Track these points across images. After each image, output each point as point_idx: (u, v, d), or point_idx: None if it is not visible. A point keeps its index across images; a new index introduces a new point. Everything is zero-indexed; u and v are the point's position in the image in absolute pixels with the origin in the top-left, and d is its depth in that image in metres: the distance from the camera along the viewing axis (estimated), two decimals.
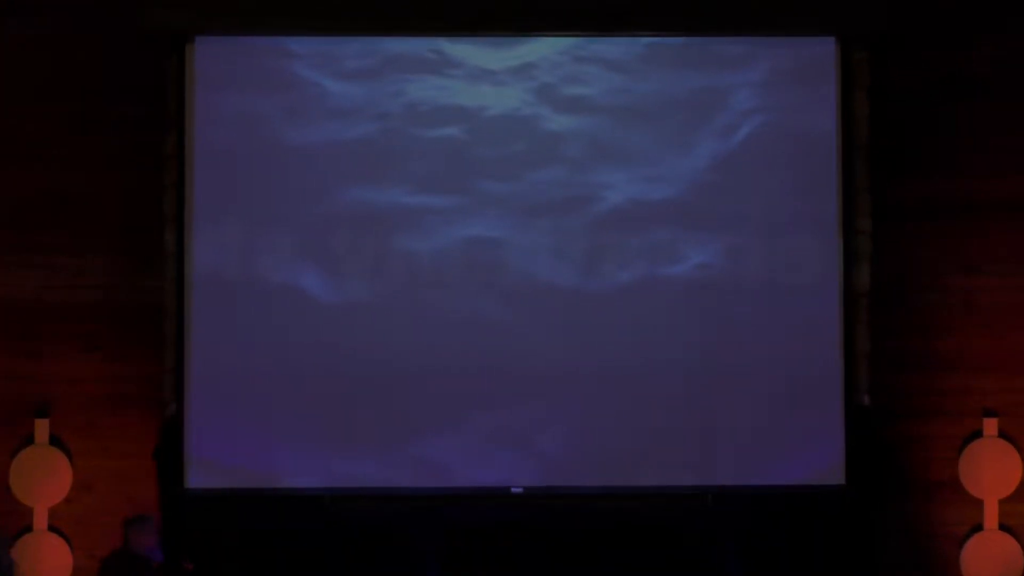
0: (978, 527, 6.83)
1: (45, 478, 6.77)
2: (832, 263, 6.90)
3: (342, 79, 6.92)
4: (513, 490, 6.84)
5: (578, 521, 6.82)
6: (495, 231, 6.92)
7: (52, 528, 6.78)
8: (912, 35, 6.97)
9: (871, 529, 6.73)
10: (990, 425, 6.83)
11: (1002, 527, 6.84)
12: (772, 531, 6.76)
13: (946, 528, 6.86)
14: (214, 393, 6.84)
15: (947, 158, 7.00)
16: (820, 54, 6.94)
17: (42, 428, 6.80)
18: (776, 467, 6.83)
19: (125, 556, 6.32)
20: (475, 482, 6.85)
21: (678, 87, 6.95)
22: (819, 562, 6.74)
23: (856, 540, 6.73)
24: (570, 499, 6.82)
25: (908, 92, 6.99)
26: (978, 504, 6.82)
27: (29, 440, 6.81)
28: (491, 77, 6.95)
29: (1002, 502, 6.83)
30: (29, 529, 6.77)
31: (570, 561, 6.81)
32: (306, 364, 6.86)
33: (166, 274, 6.86)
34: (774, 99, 6.94)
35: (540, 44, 6.95)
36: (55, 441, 6.81)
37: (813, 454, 6.84)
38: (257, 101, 6.90)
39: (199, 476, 6.81)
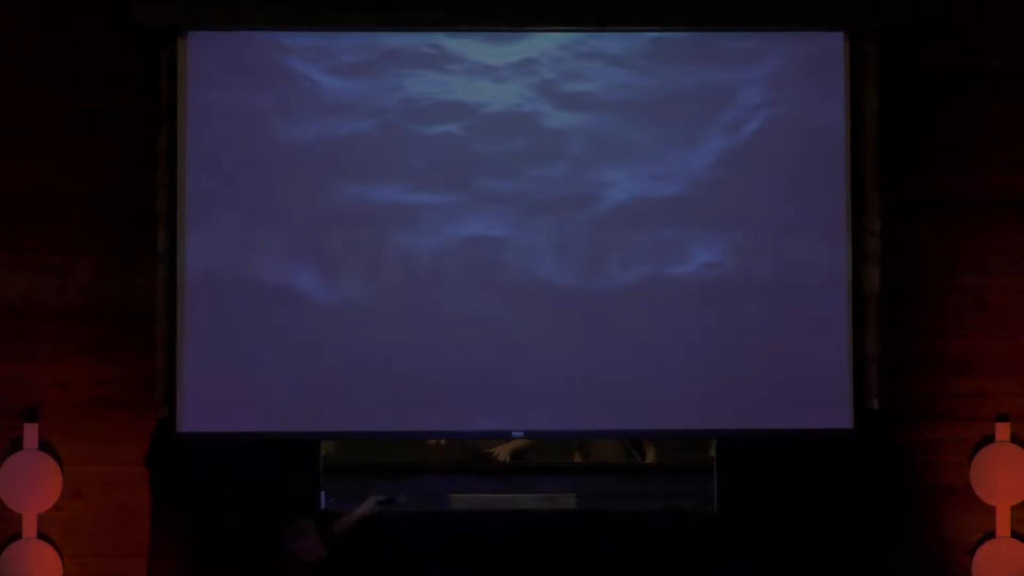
0: (990, 534, 6.69)
1: (34, 484, 6.62)
2: (841, 263, 6.74)
3: (337, 74, 6.76)
4: (514, 434, 6.73)
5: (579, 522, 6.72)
6: (495, 230, 6.75)
7: (42, 535, 6.64)
8: (924, 28, 6.79)
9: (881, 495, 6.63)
10: (1003, 430, 6.68)
11: (1015, 534, 6.69)
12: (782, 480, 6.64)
13: (957, 535, 6.71)
14: (207, 396, 6.69)
15: (959, 155, 6.84)
16: (829, 49, 6.77)
17: (31, 433, 6.65)
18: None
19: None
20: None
21: (683, 82, 6.77)
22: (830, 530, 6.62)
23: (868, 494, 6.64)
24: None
25: (920, 87, 6.83)
26: (990, 511, 6.67)
27: (18, 445, 6.66)
28: (491, 73, 6.77)
29: (1015, 508, 6.67)
30: (18, 536, 6.63)
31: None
32: (301, 365, 6.70)
33: (158, 274, 6.70)
34: (782, 95, 6.77)
35: (541, 39, 6.77)
36: (44, 446, 6.66)
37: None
38: (251, 97, 6.73)
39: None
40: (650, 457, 7.42)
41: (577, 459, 7.47)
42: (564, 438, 6.86)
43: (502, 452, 7.12)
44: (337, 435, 6.81)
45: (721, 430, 6.71)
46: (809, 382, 6.70)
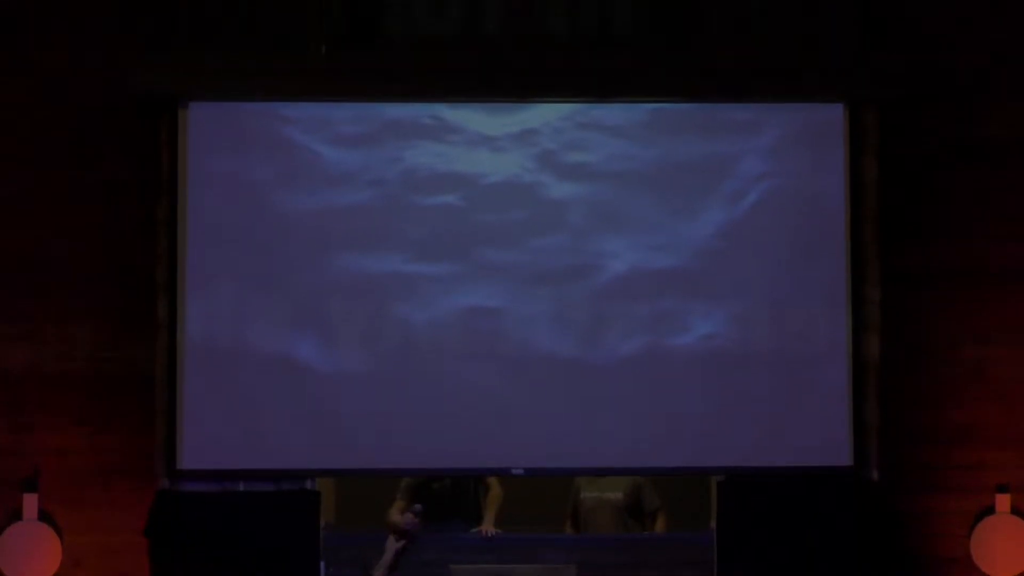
0: None
1: (34, 554, 6.57)
2: (841, 332, 6.74)
3: (337, 145, 6.77)
4: (514, 471, 6.73)
5: None
6: (494, 300, 6.76)
7: None
8: (923, 100, 6.81)
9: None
10: (1003, 501, 6.65)
11: None
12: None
13: None
14: (206, 466, 6.68)
15: (957, 225, 6.86)
16: (829, 119, 6.78)
17: (31, 503, 6.60)
18: None
19: None
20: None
21: (683, 153, 6.78)
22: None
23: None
24: None
25: (918, 157, 6.84)
26: None
27: (17, 515, 6.63)
28: (491, 143, 6.79)
29: None
30: None
31: None
32: (301, 435, 6.69)
33: (157, 343, 6.70)
34: (782, 165, 6.78)
35: (541, 110, 6.80)
36: (44, 516, 6.64)
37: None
38: (251, 167, 6.75)
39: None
40: (659, 528, 7.41)
41: (568, 530, 7.47)
42: (563, 475, 6.86)
43: (487, 528, 7.11)
44: (336, 472, 6.84)
45: (722, 467, 6.71)
46: (809, 452, 6.69)
